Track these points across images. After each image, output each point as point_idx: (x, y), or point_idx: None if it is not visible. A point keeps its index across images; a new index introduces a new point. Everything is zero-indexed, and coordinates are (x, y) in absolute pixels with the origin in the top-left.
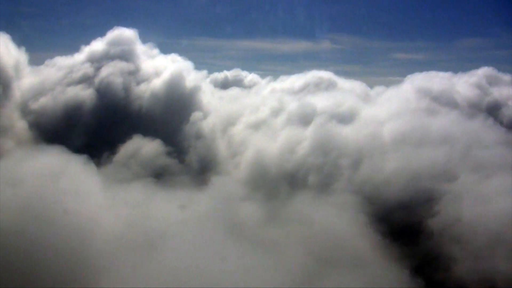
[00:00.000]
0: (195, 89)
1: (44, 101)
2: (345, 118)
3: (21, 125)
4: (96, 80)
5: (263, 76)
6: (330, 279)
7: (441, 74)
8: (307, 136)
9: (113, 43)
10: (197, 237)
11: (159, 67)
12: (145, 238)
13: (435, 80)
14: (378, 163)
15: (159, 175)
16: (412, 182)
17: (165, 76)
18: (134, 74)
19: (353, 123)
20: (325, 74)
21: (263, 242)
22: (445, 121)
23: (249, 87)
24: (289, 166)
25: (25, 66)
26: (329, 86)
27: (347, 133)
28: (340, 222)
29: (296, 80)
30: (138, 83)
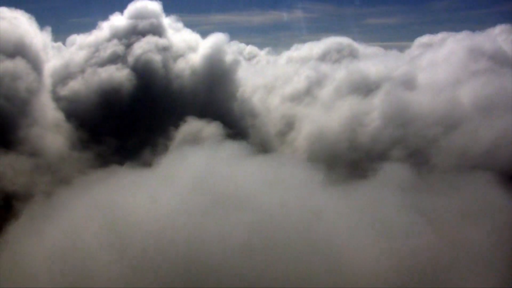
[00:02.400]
0: (235, 63)
1: (74, 86)
2: (407, 84)
3: (57, 115)
4: (130, 59)
5: None
6: None
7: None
8: (374, 105)
9: (138, 16)
10: None
11: (191, 41)
12: None
13: (479, 39)
14: (477, 130)
15: None
16: None
17: (205, 50)
18: (168, 49)
19: (417, 89)
20: (344, 40)
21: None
22: None
23: (249, 59)
24: (363, 140)
25: (50, 48)
26: (352, 52)
27: (420, 100)
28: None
29: (312, 48)
30: (174, 59)
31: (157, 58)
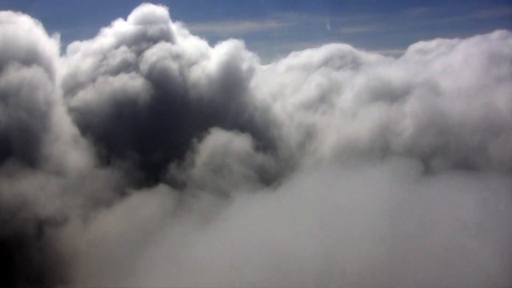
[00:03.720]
0: (251, 71)
1: (85, 96)
2: (433, 90)
3: (73, 129)
4: (143, 66)
5: None
6: None
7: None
8: (405, 112)
9: (145, 22)
10: None
11: (202, 48)
12: None
13: (496, 44)
14: None
15: None
16: None
17: (221, 58)
18: (182, 57)
19: (444, 95)
20: (344, 47)
21: None
22: None
23: None
24: (398, 149)
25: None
26: (354, 59)
27: (453, 106)
28: None
29: (312, 55)
30: (188, 67)
31: (173, 66)
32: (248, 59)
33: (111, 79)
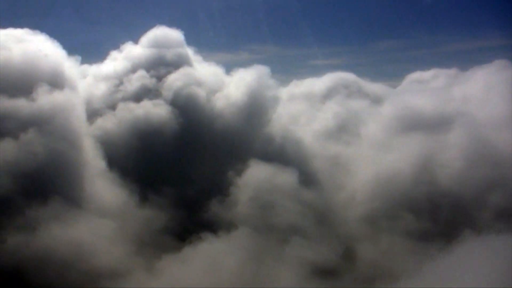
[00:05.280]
0: (276, 100)
1: (105, 124)
2: (474, 119)
3: (99, 162)
4: (166, 93)
5: None
6: None
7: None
8: (449, 143)
9: (160, 45)
10: None
11: (219, 75)
12: None
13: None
14: None
15: None
16: None
17: (248, 85)
18: (203, 84)
19: (485, 124)
20: (348, 76)
21: None
22: None
23: None
24: (446, 183)
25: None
26: (360, 88)
27: (498, 137)
28: None
29: (313, 84)
30: (212, 94)
31: (201, 93)
32: (273, 87)
33: (132, 105)
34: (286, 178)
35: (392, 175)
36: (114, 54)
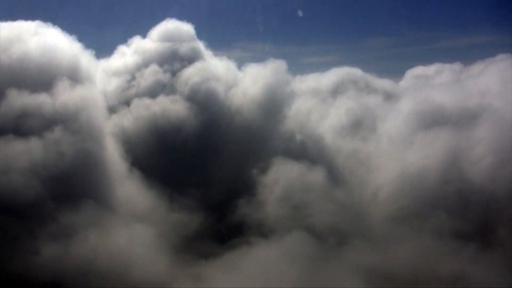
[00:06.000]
0: (293, 94)
1: (120, 122)
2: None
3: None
4: (182, 88)
5: None
6: None
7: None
8: (476, 138)
9: (171, 39)
10: None
11: (232, 70)
12: None
13: None
14: None
15: None
16: None
17: (266, 80)
18: (220, 79)
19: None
20: (355, 71)
21: None
22: None
23: None
24: (478, 180)
25: None
26: (368, 84)
27: None
28: None
29: (319, 79)
30: (228, 89)
31: (219, 88)
32: (290, 82)
33: (147, 102)
34: (314, 176)
35: (418, 172)
36: (122, 48)
